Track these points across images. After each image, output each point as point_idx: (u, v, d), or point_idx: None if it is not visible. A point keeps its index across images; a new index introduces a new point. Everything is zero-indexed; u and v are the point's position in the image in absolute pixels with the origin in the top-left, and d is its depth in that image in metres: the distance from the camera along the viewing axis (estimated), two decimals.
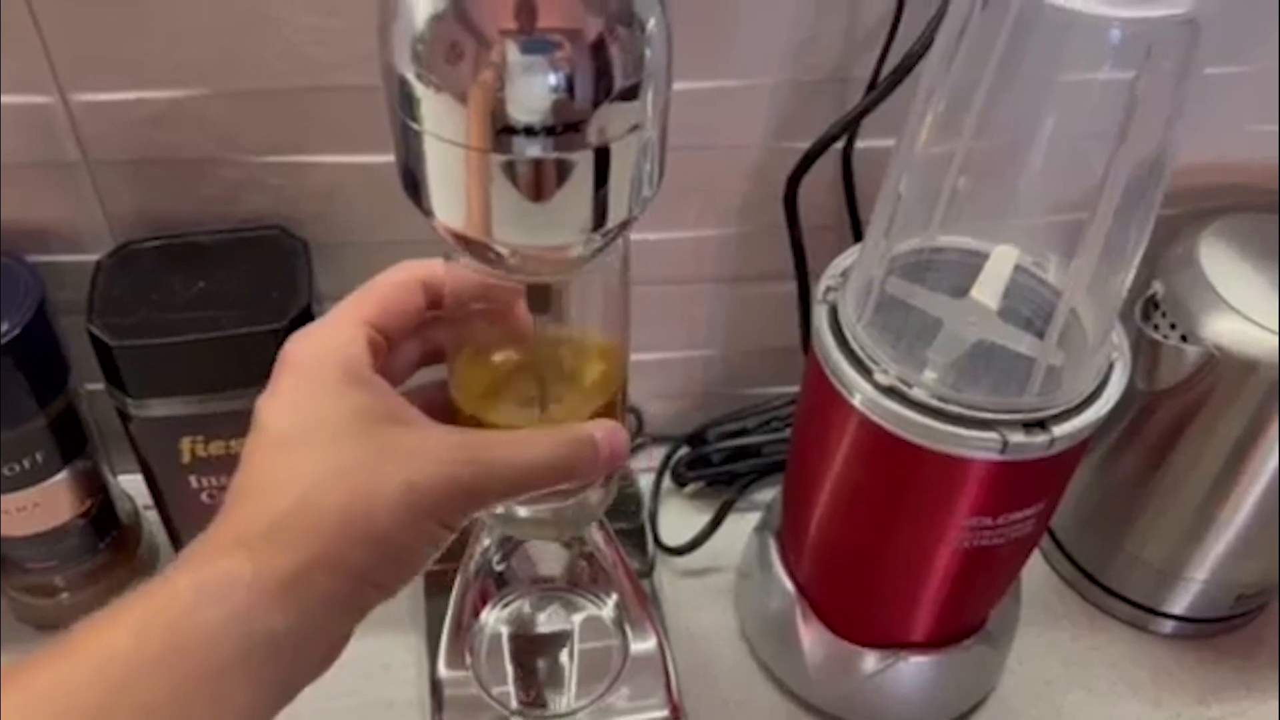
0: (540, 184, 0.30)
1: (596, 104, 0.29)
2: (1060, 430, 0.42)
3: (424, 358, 0.39)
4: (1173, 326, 0.52)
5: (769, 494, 0.62)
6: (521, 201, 0.31)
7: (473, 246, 0.33)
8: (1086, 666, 0.60)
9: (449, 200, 0.32)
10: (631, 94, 0.30)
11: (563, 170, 0.30)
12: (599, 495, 0.41)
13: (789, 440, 0.55)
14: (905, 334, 0.45)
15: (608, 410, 0.39)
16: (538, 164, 0.30)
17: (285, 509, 0.31)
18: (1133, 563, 0.60)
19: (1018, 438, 0.42)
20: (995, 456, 0.43)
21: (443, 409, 0.38)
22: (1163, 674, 0.60)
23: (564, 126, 0.29)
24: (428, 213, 0.32)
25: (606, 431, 0.36)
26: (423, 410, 0.35)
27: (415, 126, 0.30)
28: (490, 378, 0.39)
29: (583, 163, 0.30)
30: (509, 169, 0.30)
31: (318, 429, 0.33)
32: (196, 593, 0.30)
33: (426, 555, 0.34)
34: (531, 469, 0.34)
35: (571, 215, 0.32)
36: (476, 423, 0.38)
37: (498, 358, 0.39)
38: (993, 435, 0.42)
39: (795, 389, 0.63)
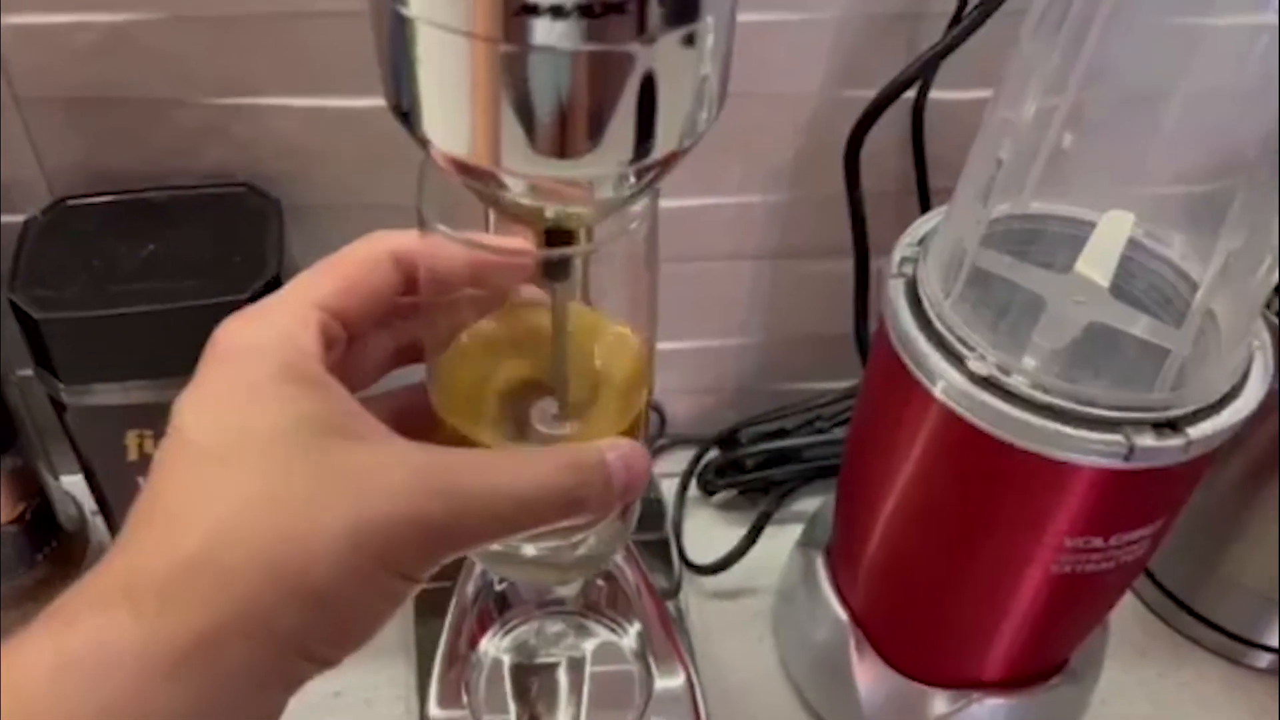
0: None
1: None
2: (1197, 432, 0.36)
3: (398, 355, 0.33)
4: None
5: (811, 504, 0.57)
6: None
7: (478, 179, 0.26)
8: (1177, 707, 0.54)
9: (448, 115, 0.25)
10: None
11: (597, 69, 0.23)
12: (613, 531, 0.35)
13: (842, 442, 0.50)
14: (1002, 314, 0.38)
15: (629, 425, 0.32)
16: (565, 59, 0.23)
17: (192, 551, 0.25)
18: (1229, 587, 0.54)
19: (1147, 441, 0.35)
20: (1117, 463, 0.36)
21: (418, 422, 0.31)
22: (1264, 716, 0.54)
23: (602, 6, 0.22)
24: (420, 137, 0.26)
25: (622, 453, 0.29)
26: (392, 423, 0.29)
27: (404, 11, 0.23)
28: (481, 382, 0.32)
29: (625, 61, 0.23)
30: (526, 65, 0.23)
31: (244, 442, 0.26)
32: (58, 669, 0.23)
33: (379, 616, 0.27)
34: (523, 502, 0.28)
35: (606, 137, 0.25)
36: (462, 440, 0.31)
37: (490, 356, 0.33)
38: (1116, 438, 0.35)
39: (842, 384, 0.59)
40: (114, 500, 0.48)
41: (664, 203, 0.30)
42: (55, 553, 0.52)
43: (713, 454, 0.60)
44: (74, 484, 0.52)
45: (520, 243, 0.29)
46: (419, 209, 0.29)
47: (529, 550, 0.34)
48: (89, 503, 0.51)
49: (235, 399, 0.27)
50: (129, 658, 0.23)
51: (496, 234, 0.31)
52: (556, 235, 0.29)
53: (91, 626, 0.24)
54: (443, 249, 0.29)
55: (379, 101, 0.26)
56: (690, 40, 0.24)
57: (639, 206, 0.29)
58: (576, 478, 0.28)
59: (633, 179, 0.26)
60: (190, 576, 0.24)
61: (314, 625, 0.25)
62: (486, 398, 0.32)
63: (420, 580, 0.27)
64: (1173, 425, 0.36)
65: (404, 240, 0.31)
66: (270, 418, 0.27)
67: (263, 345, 0.28)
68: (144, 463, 0.45)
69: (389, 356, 0.33)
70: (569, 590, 0.46)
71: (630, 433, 0.32)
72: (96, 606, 0.24)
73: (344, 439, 0.27)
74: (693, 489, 0.60)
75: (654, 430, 0.61)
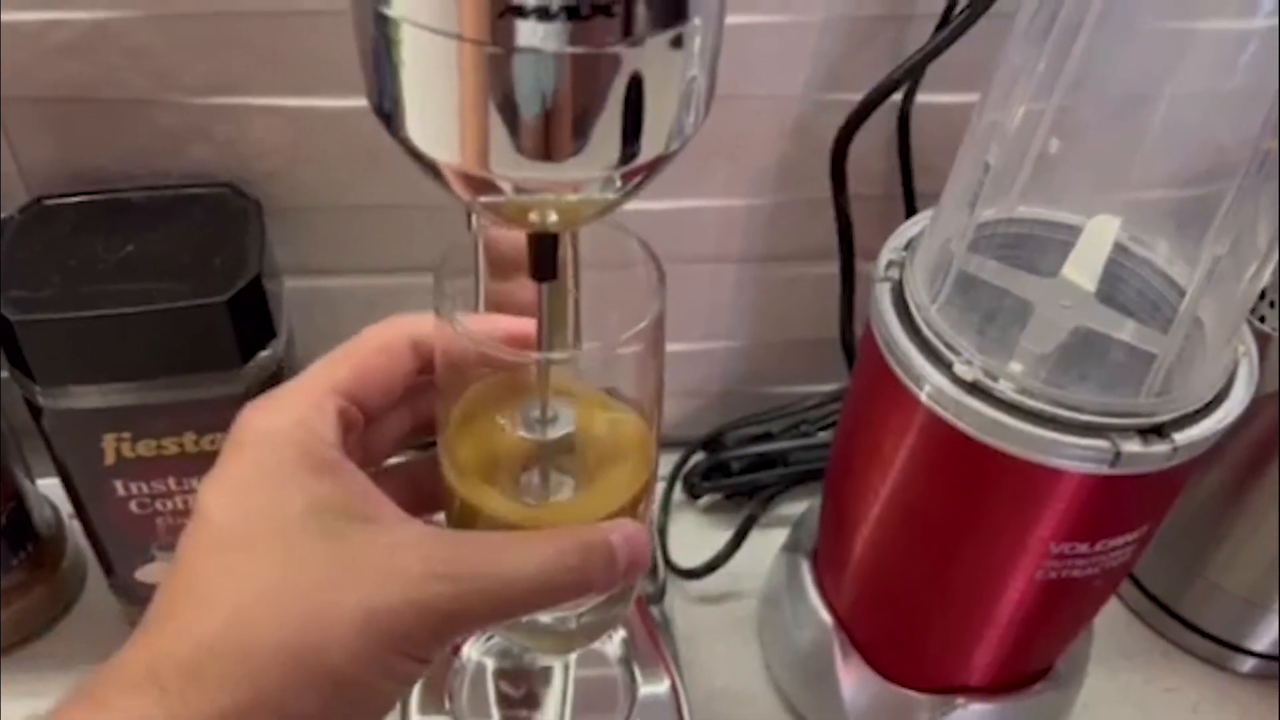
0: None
1: None
2: (1183, 438, 0.36)
3: (414, 431, 0.34)
4: None
5: (797, 508, 0.57)
6: None
7: (465, 182, 0.26)
8: (1161, 711, 0.53)
9: (432, 119, 0.24)
10: None
11: (583, 71, 0.23)
12: (616, 601, 0.35)
13: (827, 445, 0.49)
14: (988, 318, 0.38)
15: (633, 504, 0.32)
16: (550, 62, 0.23)
17: (213, 634, 0.26)
18: (1213, 591, 0.54)
19: (1133, 447, 0.35)
20: (1103, 469, 0.36)
21: (432, 492, 0.33)
22: None
23: (590, 9, 0.22)
24: (403, 141, 0.25)
25: (626, 534, 0.30)
26: (406, 495, 0.30)
27: (387, 11, 0.23)
28: (492, 457, 0.33)
29: (611, 63, 0.23)
30: (511, 67, 0.22)
31: (263, 528, 0.28)
32: None
33: (391, 696, 0.28)
34: (531, 586, 0.28)
35: (593, 140, 0.24)
36: (474, 511, 0.32)
37: (501, 432, 0.33)
38: (1103, 443, 0.35)
39: (827, 388, 0.58)
40: (91, 504, 0.46)
41: (649, 205, 0.30)
42: (31, 556, 0.50)
43: (698, 457, 0.59)
44: (50, 487, 0.50)
45: (528, 341, 0.30)
46: (435, 305, 0.29)
47: (534, 620, 0.34)
48: (65, 506, 0.50)
49: (255, 485, 0.28)
50: None
51: (490, 282, 0.32)
52: (542, 238, 0.28)
53: (118, 709, 0.25)
54: (454, 341, 0.30)
55: (363, 102, 0.25)
56: (677, 43, 0.24)
57: (647, 294, 0.30)
58: (581, 560, 0.29)
59: (619, 182, 0.26)
60: (212, 659, 0.25)
61: (329, 707, 0.26)
62: (497, 470, 0.33)
63: (430, 661, 0.28)
64: (1158, 431, 0.36)
65: (420, 326, 0.31)
66: (288, 504, 0.28)
67: (282, 433, 0.29)
68: (121, 466, 0.44)
69: (406, 433, 0.34)
70: None
71: (634, 509, 0.32)
72: (124, 689, 0.25)
73: (359, 523, 0.28)
74: (678, 492, 0.59)
75: None
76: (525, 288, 0.29)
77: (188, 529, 0.28)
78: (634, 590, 0.35)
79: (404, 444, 0.34)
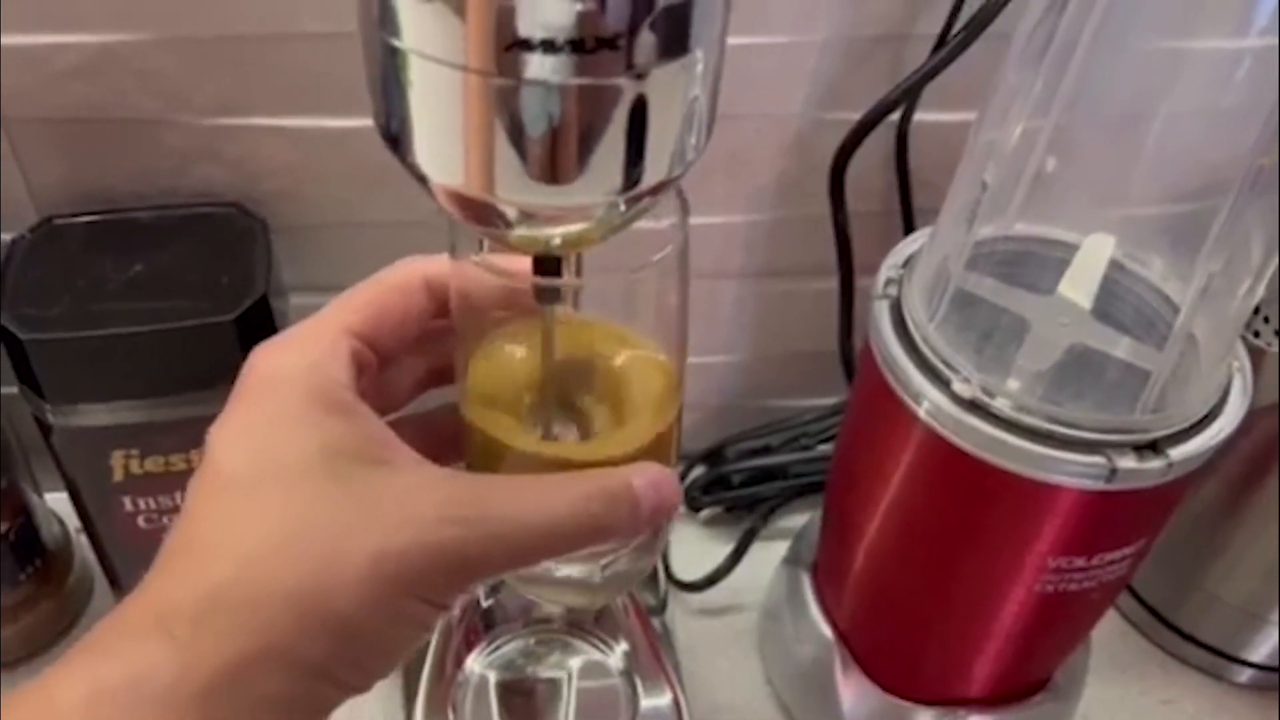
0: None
1: (636, 20, 0.23)
2: (1178, 454, 0.36)
3: (430, 377, 0.33)
4: (1278, 334, 0.46)
5: (798, 521, 0.56)
6: None
7: (471, 209, 0.26)
8: None
9: (440, 146, 0.25)
10: (683, 12, 0.23)
11: (588, 102, 0.23)
12: (642, 551, 0.34)
13: (827, 459, 0.49)
14: (986, 336, 0.38)
15: (659, 444, 0.31)
16: (556, 93, 0.23)
17: (222, 580, 0.25)
18: (1210, 602, 0.54)
19: (1128, 463, 0.36)
20: (1099, 485, 0.36)
21: (449, 443, 0.31)
22: None
23: (595, 42, 0.22)
24: (409, 165, 0.26)
25: (651, 479, 0.29)
26: (422, 444, 0.29)
27: (396, 43, 0.23)
28: (512, 400, 0.32)
29: (615, 94, 0.23)
30: (518, 99, 0.23)
31: (274, 471, 0.27)
32: (92, 700, 0.23)
33: (405, 642, 0.27)
34: (549, 531, 0.27)
35: (597, 167, 0.25)
36: (493, 456, 0.31)
37: (522, 376, 0.32)
38: (1098, 459, 0.35)
39: (827, 401, 0.58)
40: (99, 519, 0.47)
41: (647, 223, 0.29)
42: (39, 571, 0.50)
43: (699, 470, 0.59)
44: (58, 501, 0.51)
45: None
46: (451, 239, 0.29)
47: (557, 572, 0.33)
48: (73, 520, 0.50)
49: (266, 428, 0.27)
50: (162, 687, 0.23)
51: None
52: (546, 260, 0.29)
53: (125, 656, 0.24)
54: (474, 274, 0.29)
55: (367, 122, 0.26)
56: (681, 72, 0.24)
57: (669, 226, 0.29)
58: (603, 505, 0.28)
59: (623, 206, 0.26)
60: (220, 606, 0.25)
61: (339, 653, 0.25)
62: (518, 413, 0.32)
63: (448, 607, 0.27)
64: (1154, 447, 0.36)
65: (436, 266, 0.30)
66: (299, 446, 0.26)
67: (293, 374, 0.28)
68: (129, 482, 0.45)
69: (421, 379, 0.33)
70: (554, 608, 0.46)
71: (660, 450, 0.31)
72: (130, 636, 0.24)
73: (372, 466, 0.27)
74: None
75: None
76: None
77: (196, 474, 0.27)
78: (662, 540, 0.34)
79: (419, 391, 0.33)
